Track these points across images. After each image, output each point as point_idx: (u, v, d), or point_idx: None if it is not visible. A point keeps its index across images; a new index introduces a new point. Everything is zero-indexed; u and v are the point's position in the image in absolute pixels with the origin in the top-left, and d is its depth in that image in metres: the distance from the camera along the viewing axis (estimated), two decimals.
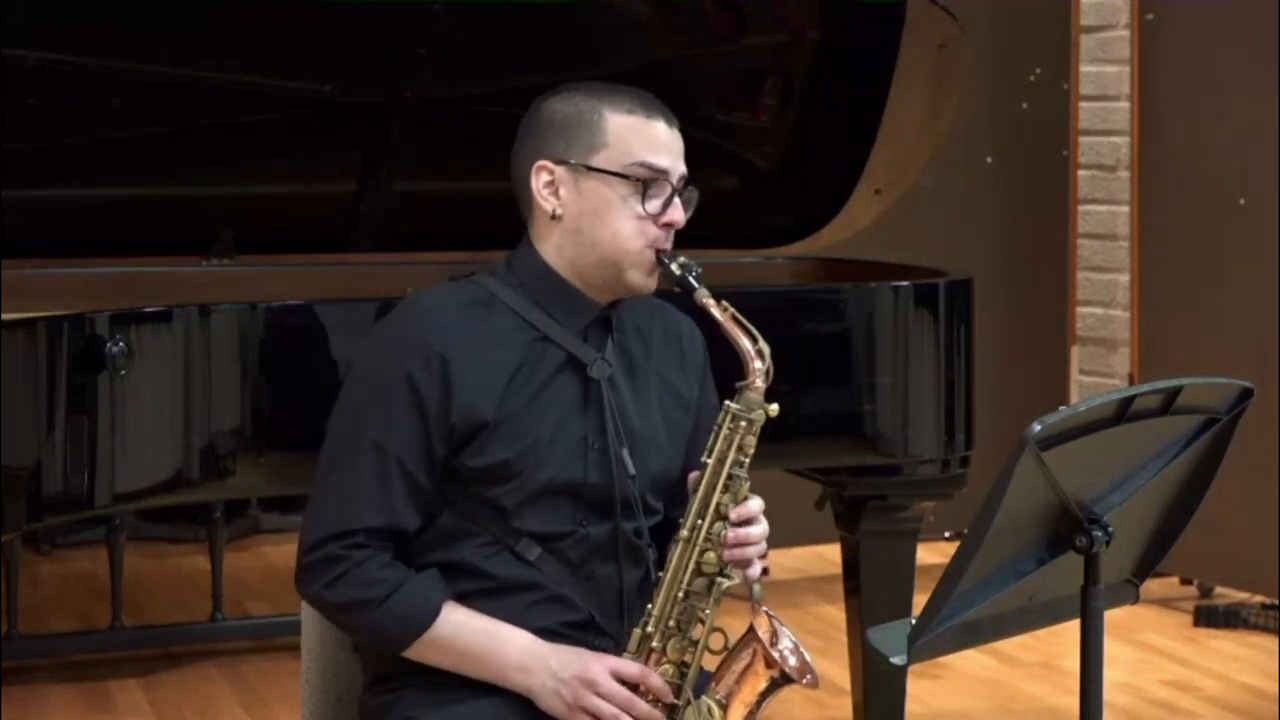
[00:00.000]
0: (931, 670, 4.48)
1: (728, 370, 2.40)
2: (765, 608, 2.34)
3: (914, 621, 2.11)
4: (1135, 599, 2.34)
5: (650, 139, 2.36)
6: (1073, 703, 2.22)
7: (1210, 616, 4.99)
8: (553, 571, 2.35)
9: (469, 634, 2.31)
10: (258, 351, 3.07)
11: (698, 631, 2.32)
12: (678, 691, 2.30)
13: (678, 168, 2.38)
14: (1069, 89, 5.58)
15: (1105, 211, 5.53)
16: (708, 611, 2.32)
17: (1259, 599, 4.99)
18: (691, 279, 2.34)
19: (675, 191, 2.36)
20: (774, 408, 2.33)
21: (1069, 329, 5.65)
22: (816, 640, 4.73)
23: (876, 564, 3.57)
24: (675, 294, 2.40)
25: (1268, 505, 4.76)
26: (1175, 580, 5.26)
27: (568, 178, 2.36)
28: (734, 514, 2.32)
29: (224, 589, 4.80)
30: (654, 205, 2.35)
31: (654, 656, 2.31)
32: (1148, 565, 2.32)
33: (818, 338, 3.44)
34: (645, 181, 2.34)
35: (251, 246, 3.65)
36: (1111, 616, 2.23)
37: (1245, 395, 2.23)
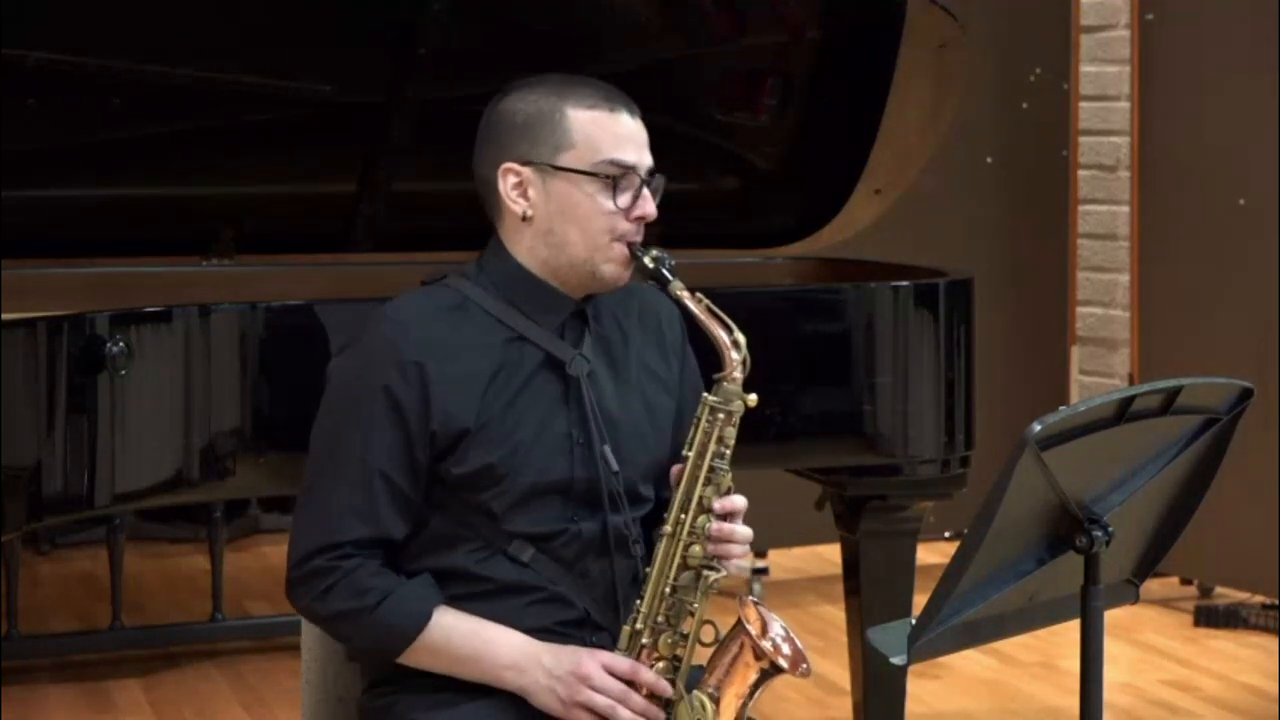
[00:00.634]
0: (931, 670, 4.48)
1: (707, 362, 2.39)
2: (752, 597, 2.34)
3: (914, 621, 2.11)
4: (1135, 599, 2.34)
5: (616, 135, 2.34)
6: (1073, 703, 2.22)
7: (1210, 616, 4.99)
8: (547, 571, 2.34)
9: (461, 637, 2.30)
10: (258, 351, 3.07)
11: (688, 625, 2.32)
12: (670, 686, 2.30)
13: (644, 160, 2.36)
14: (1069, 89, 5.58)
15: (1105, 211, 5.53)
16: (696, 605, 2.31)
17: (1259, 599, 4.99)
18: (665, 271, 2.33)
19: (644, 183, 2.35)
20: (752, 398, 2.33)
21: (1069, 329, 5.65)
22: (816, 640, 4.73)
23: (876, 564, 3.57)
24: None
25: (1268, 505, 4.76)
26: (1175, 580, 5.27)
27: (535, 178, 2.34)
28: (718, 505, 2.32)
29: (224, 589, 4.80)
30: (624, 200, 2.33)
31: (645, 652, 2.30)
32: (1148, 565, 2.32)
33: (818, 338, 3.44)
34: (614, 177, 2.33)
35: (251, 246, 3.65)
36: (1111, 616, 2.23)
37: (1245, 395, 2.23)
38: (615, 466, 2.36)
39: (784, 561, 5.57)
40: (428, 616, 2.29)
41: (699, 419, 2.34)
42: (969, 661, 4.57)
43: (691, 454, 2.33)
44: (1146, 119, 5.23)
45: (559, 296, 2.38)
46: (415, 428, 2.29)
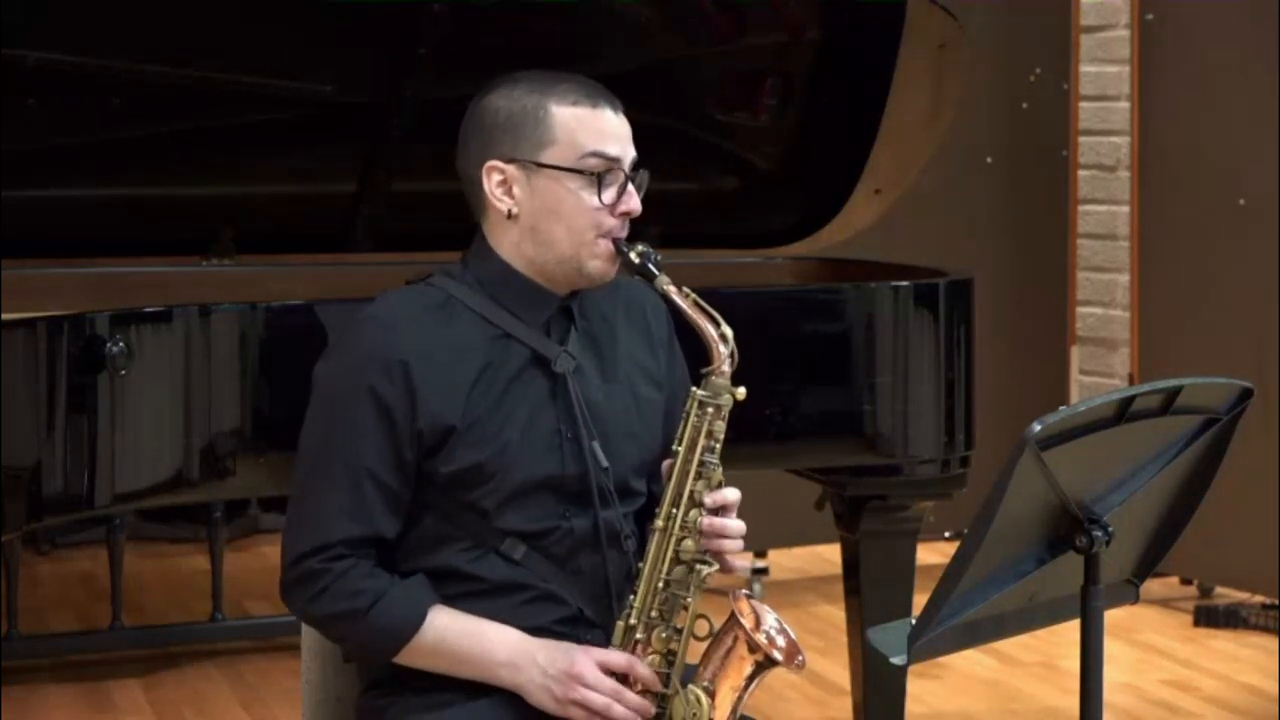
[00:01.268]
0: (931, 670, 4.48)
1: (695, 358, 2.39)
2: (744, 591, 2.34)
3: (914, 621, 2.11)
4: (1135, 599, 2.34)
5: (598, 129, 2.33)
6: (1073, 703, 2.22)
7: (1210, 616, 4.99)
8: (540, 569, 2.34)
9: (455, 636, 2.30)
10: (258, 351, 3.07)
11: (681, 620, 2.31)
12: (665, 680, 2.30)
13: (628, 154, 2.35)
14: (1069, 89, 5.58)
15: (1105, 211, 5.53)
16: (689, 599, 2.31)
17: (1259, 599, 4.99)
18: (651, 266, 2.33)
19: (628, 179, 2.35)
20: (741, 391, 2.32)
21: (1069, 329, 5.65)
22: (816, 640, 4.73)
23: (876, 564, 3.57)
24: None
25: (1268, 505, 4.76)
26: (1175, 580, 5.27)
27: (520, 176, 2.33)
28: (709, 500, 2.31)
29: (224, 589, 4.80)
30: (609, 195, 2.33)
31: (639, 647, 2.30)
32: (1148, 565, 2.32)
33: (818, 338, 3.44)
34: (599, 173, 2.32)
35: (251, 246, 3.65)
36: (1111, 616, 2.23)
37: (1245, 395, 2.23)
38: (605, 462, 2.36)
39: (784, 561, 5.57)
40: (422, 617, 2.29)
41: (688, 413, 2.33)
42: (969, 661, 4.57)
43: (681, 448, 2.33)
44: (1146, 119, 5.23)
45: (545, 293, 2.37)
46: (402, 427, 2.29)
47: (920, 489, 3.54)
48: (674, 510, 2.32)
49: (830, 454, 3.46)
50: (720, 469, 2.33)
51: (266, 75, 3.52)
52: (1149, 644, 4.82)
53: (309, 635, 2.53)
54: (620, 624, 2.32)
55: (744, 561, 4.90)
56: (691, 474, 2.32)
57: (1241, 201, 4.92)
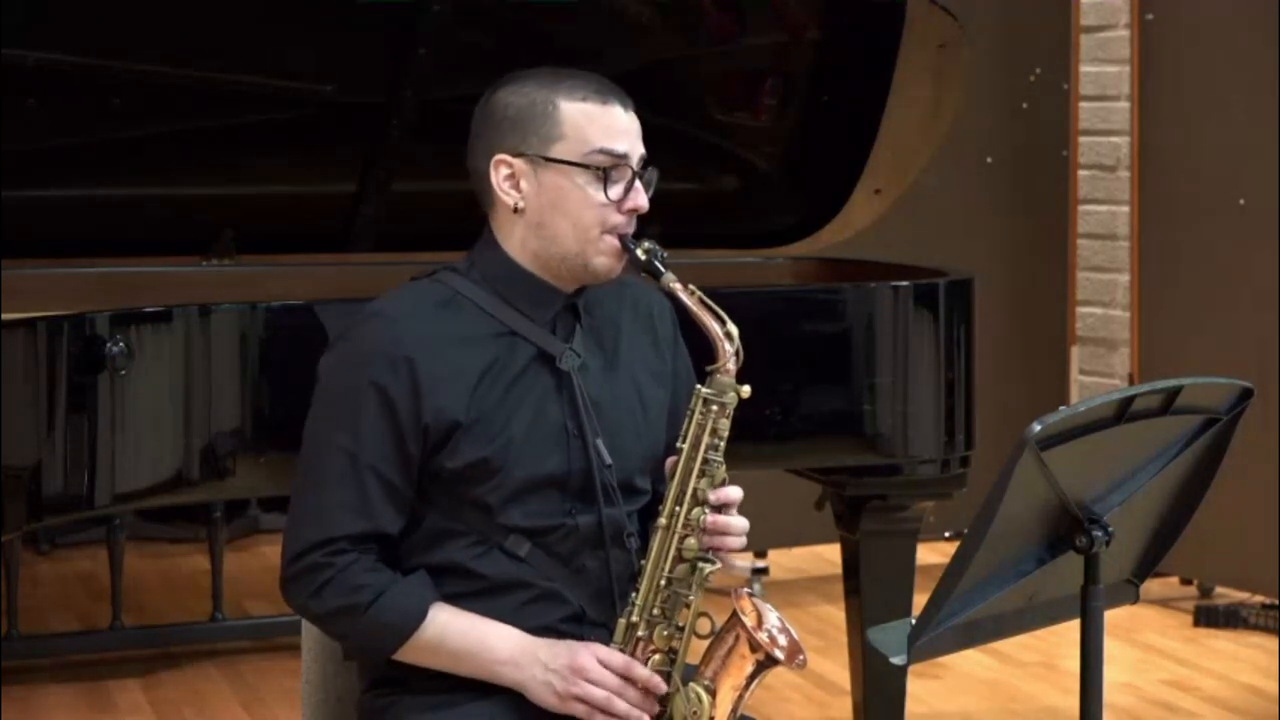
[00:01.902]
0: (931, 670, 4.48)
1: (700, 355, 2.39)
2: (747, 589, 2.34)
3: (914, 621, 2.11)
4: (1135, 599, 2.34)
5: (606, 125, 2.33)
6: (1073, 703, 2.22)
7: (1210, 616, 4.99)
8: (543, 567, 2.34)
9: (457, 633, 2.30)
10: (258, 351, 3.07)
11: (683, 617, 2.31)
12: (666, 679, 2.30)
13: (636, 150, 2.35)
14: (1069, 89, 5.58)
15: (1105, 211, 5.53)
16: (692, 597, 2.31)
17: (1259, 599, 4.99)
18: (658, 263, 2.32)
19: (636, 175, 2.34)
20: (745, 389, 2.32)
21: (1069, 329, 5.65)
22: (816, 640, 4.73)
23: (876, 564, 3.57)
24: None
25: (1268, 505, 4.76)
26: (1175, 580, 5.27)
27: (527, 170, 2.33)
28: (713, 497, 2.31)
29: (224, 589, 4.80)
30: (616, 191, 2.33)
31: (641, 645, 2.30)
32: (1148, 565, 2.32)
33: (818, 338, 3.44)
34: (605, 169, 2.32)
35: (251, 246, 3.65)
36: (1111, 616, 2.23)
37: (1245, 395, 2.23)
38: (608, 460, 2.36)
39: (784, 561, 5.57)
40: (424, 613, 2.29)
41: (693, 411, 2.33)
42: (969, 661, 4.57)
43: (685, 446, 2.33)
44: (1146, 119, 5.23)
45: (550, 290, 2.37)
46: (407, 423, 2.29)
47: (920, 489, 3.54)
48: (677, 508, 2.32)
49: (830, 454, 3.46)
50: (724, 467, 2.33)
51: (266, 75, 3.52)
52: (1149, 644, 4.83)
53: (309, 635, 2.53)
54: (622, 621, 2.32)
55: (744, 561, 4.90)
56: (695, 472, 2.32)
57: (1241, 201, 4.92)
